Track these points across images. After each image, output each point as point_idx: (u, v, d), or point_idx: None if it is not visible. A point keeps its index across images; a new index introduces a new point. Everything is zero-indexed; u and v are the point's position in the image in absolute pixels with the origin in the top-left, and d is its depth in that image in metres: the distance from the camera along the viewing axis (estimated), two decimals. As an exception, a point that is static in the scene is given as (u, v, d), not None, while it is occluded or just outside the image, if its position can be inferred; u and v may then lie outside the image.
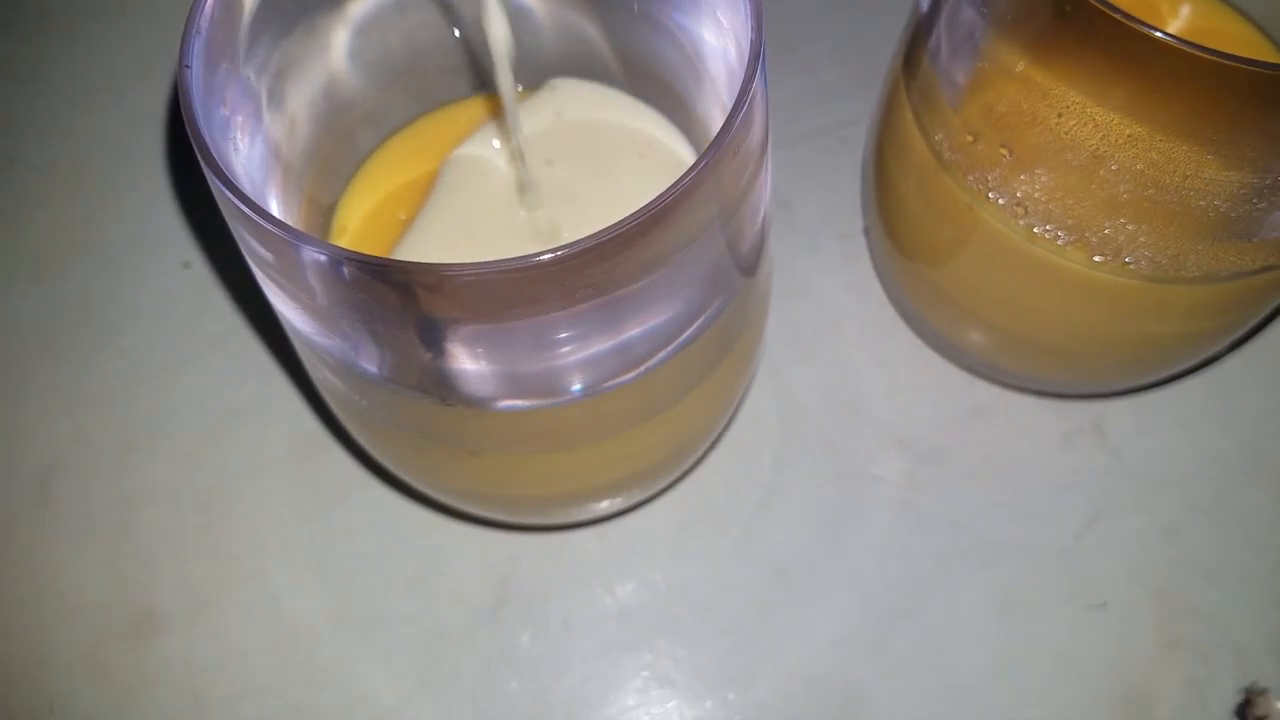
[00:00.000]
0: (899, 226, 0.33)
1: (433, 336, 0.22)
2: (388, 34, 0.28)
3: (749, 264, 0.25)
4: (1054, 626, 0.33)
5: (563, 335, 0.22)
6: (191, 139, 0.20)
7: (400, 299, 0.20)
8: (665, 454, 0.30)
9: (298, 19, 0.25)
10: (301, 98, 0.27)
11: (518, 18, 0.30)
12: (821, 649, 0.32)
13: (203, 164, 0.20)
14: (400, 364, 0.23)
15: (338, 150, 0.29)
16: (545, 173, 0.30)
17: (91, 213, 0.41)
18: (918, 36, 0.29)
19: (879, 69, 0.35)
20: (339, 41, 0.27)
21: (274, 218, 0.19)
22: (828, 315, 0.38)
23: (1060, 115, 0.24)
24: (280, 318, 0.25)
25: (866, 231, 0.38)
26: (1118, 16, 0.21)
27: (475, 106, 0.32)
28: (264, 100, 0.25)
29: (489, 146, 0.31)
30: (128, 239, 0.40)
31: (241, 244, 0.22)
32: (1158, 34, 0.21)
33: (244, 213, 0.19)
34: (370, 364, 0.24)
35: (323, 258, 0.19)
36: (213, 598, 0.34)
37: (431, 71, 0.30)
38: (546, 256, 0.19)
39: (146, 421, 0.37)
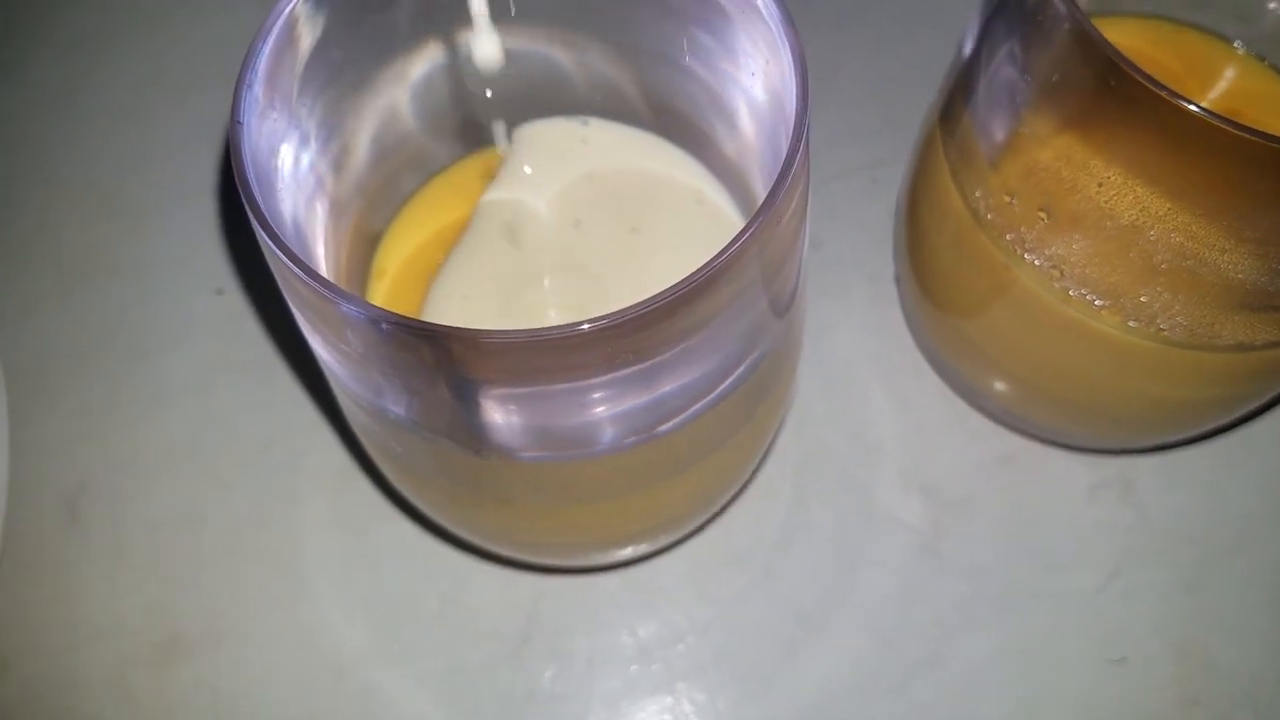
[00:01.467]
0: (931, 278, 0.33)
1: (469, 393, 0.22)
2: (434, 83, 0.28)
3: (784, 310, 0.25)
4: (1074, 678, 0.33)
5: (600, 395, 0.22)
6: (242, 194, 0.20)
7: (437, 358, 0.21)
8: (697, 502, 0.30)
9: (345, 69, 0.25)
10: (347, 142, 0.27)
11: (552, 61, 0.30)
12: (842, 694, 0.32)
13: (253, 220, 0.20)
14: (434, 415, 0.23)
15: (383, 191, 0.30)
16: (581, 214, 0.30)
17: (124, 234, 0.41)
18: (957, 94, 0.29)
19: (911, 109, 0.35)
20: (386, 90, 0.27)
21: (320, 276, 0.19)
22: (854, 357, 0.38)
23: (1100, 185, 0.24)
24: (316, 356, 0.25)
25: (897, 279, 0.38)
26: (1163, 93, 0.21)
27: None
28: (312, 142, 0.25)
29: (520, 186, 0.31)
30: (160, 262, 0.41)
31: (284, 288, 0.22)
32: (1202, 111, 0.21)
33: (293, 271, 0.19)
34: (404, 412, 0.24)
35: (362, 316, 0.20)
36: (239, 625, 0.34)
37: (475, 117, 0.31)
38: (587, 326, 0.19)
39: (175, 446, 0.37)
